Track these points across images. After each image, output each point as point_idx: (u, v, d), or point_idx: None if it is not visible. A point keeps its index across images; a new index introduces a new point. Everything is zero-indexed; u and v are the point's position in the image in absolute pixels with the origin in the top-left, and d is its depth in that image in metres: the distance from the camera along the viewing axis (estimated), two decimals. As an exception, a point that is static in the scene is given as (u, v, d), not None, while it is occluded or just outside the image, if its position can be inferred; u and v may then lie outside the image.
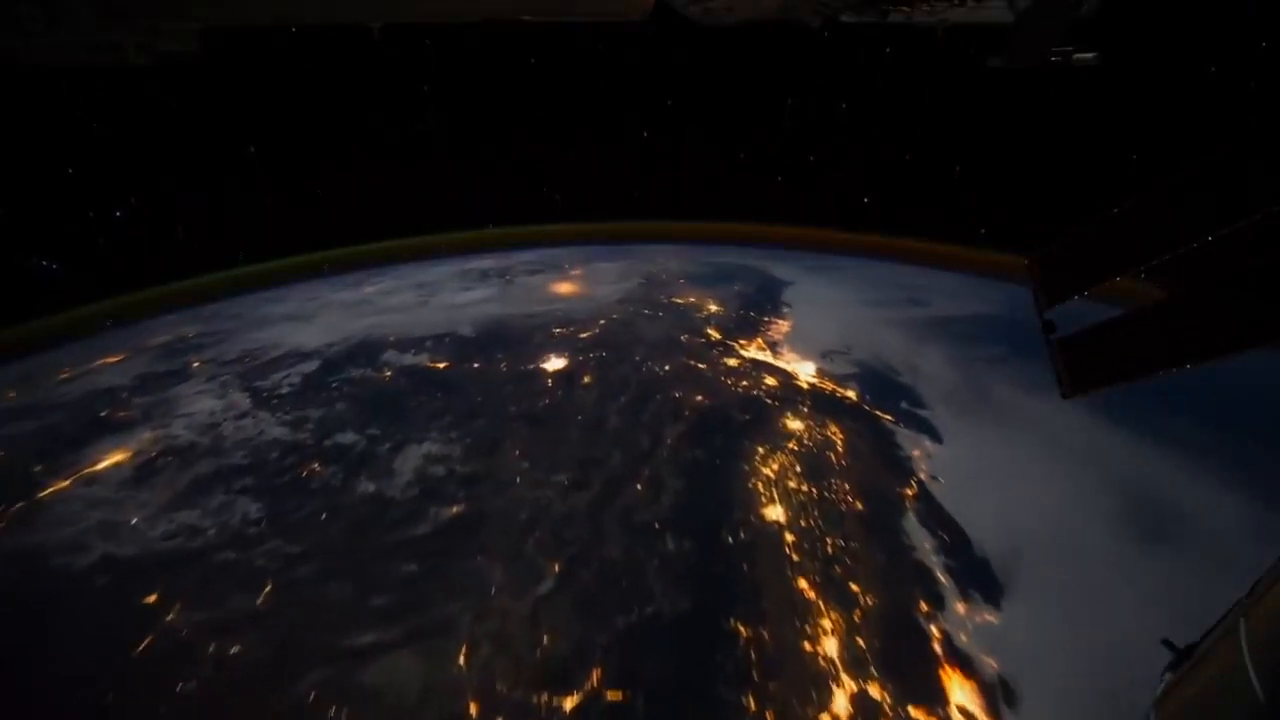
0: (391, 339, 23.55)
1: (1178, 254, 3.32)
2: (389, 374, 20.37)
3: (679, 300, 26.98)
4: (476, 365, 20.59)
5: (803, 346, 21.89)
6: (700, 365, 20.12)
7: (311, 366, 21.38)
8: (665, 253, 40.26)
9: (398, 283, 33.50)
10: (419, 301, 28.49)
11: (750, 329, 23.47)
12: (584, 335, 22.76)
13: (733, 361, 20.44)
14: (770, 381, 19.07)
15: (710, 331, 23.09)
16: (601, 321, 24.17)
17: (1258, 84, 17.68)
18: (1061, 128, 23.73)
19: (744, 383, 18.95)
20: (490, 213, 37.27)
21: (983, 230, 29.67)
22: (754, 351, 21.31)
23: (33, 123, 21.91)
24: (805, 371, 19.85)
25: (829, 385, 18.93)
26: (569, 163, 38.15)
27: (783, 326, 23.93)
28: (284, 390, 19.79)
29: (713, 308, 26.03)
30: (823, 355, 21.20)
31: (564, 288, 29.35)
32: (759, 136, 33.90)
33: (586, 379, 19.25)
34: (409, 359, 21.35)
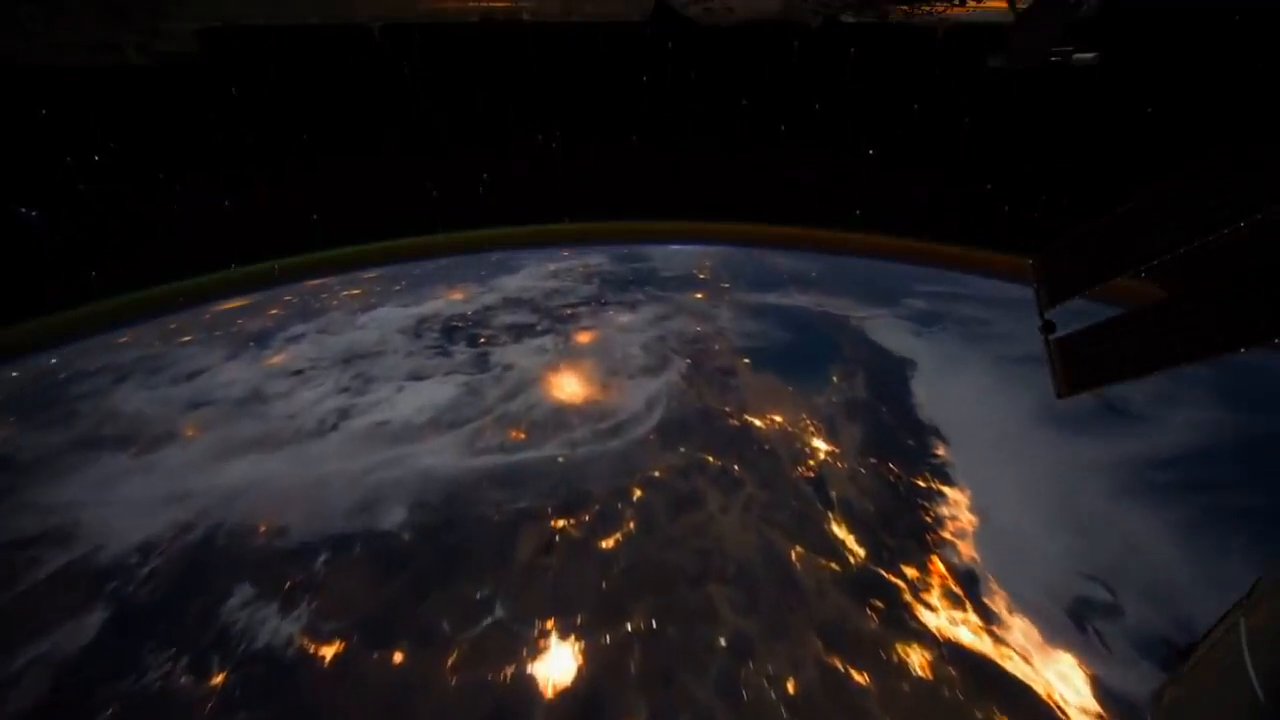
0: (260, 532, 13.10)
1: (1178, 254, 3.36)
2: (217, 683, 9.97)
3: (758, 423, 16.35)
4: (398, 659, 10.21)
5: (1023, 583, 11.56)
6: (857, 675, 9.80)
7: (83, 637, 10.96)
8: (693, 271, 30.11)
9: (323, 341, 22.99)
10: (335, 409, 17.77)
11: (910, 524, 13.02)
12: (605, 544, 12.31)
13: (917, 657, 10.12)
14: (1026, 752, 8.85)
15: (839, 534, 12.64)
16: (636, 493, 13.66)
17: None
18: (1062, 127, 21.81)
19: (971, 758, 8.74)
20: (486, 212, 30.78)
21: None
22: (943, 609, 10.99)
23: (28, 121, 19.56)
24: (1074, 694, 9.63)
25: (1153, 763, 8.74)
26: (567, 162, 29.53)
27: (959, 510, 13.48)
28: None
29: (820, 446, 15.47)
30: (1076, 619, 10.89)
31: (564, 384, 18.55)
32: (761, 135, 28.80)
33: (628, 740, 8.96)
34: (270, 623, 10.89)
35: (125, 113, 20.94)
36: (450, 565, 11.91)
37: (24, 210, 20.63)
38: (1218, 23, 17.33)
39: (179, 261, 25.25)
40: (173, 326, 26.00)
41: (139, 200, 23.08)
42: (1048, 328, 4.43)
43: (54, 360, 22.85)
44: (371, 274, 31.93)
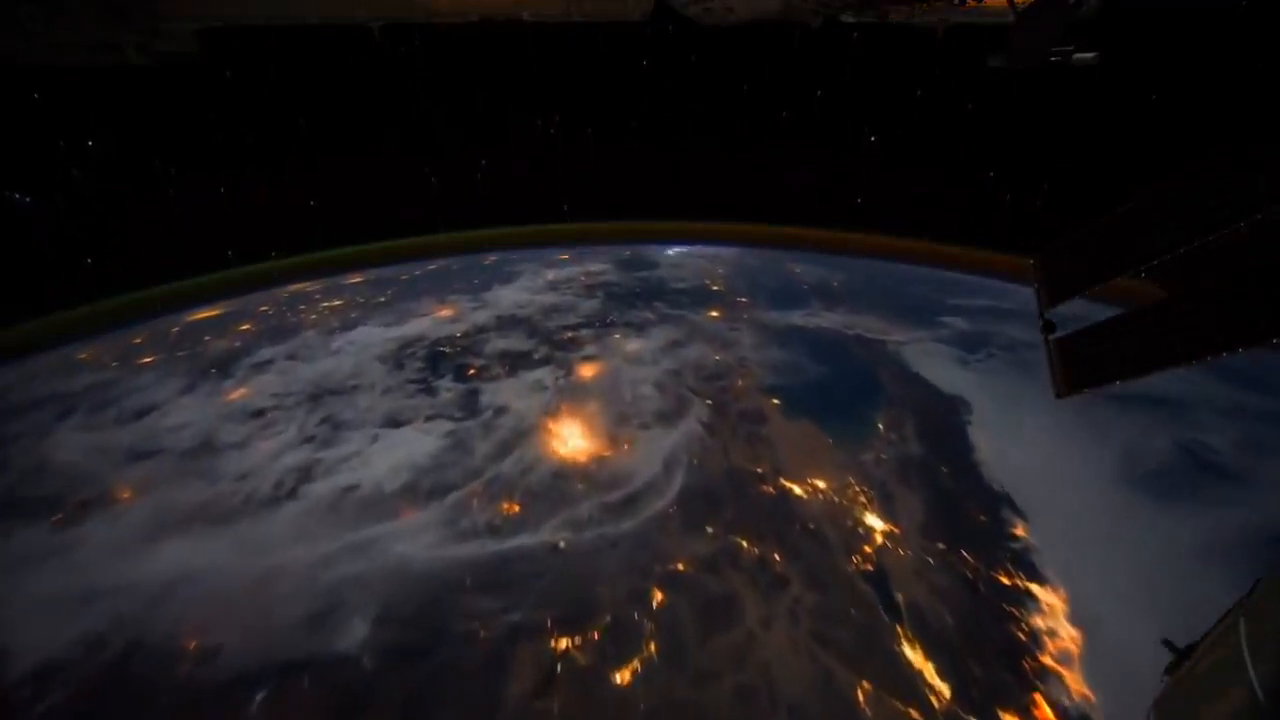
0: (188, 653, 10.52)
1: (1178, 254, 3.28)
2: None
3: (798, 491, 13.69)
4: None
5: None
6: None
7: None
8: (705, 282, 27.63)
9: (292, 370, 20.40)
10: (295, 466, 15.14)
11: (999, 642, 10.42)
12: (619, 676, 9.71)
13: None
14: None
15: (914, 660, 10.03)
16: (656, 597, 11.05)
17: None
18: (1062, 127, 21.55)
19: None
20: (485, 212, 29.73)
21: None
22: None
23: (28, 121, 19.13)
24: None
25: None
26: (567, 161, 28.13)
27: (1057, 620, 10.87)
28: None
29: (875, 525, 12.84)
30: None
31: (565, 435, 15.86)
32: (761, 135, 28.19)
33: None
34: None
35: (125, 112, 20.78)
36: (422, 710, 9.31)
37: (19, 196, 20.38)
38: (1218, 23, 17.22)
39: (178, 261, 24.61)
40: (136, 342, 23.38)
41: (138, 200, 22.70)
42: (1048, 328, 4.42)
43: (4, 382, 20.35)
44: (357, 278, 29.28)
